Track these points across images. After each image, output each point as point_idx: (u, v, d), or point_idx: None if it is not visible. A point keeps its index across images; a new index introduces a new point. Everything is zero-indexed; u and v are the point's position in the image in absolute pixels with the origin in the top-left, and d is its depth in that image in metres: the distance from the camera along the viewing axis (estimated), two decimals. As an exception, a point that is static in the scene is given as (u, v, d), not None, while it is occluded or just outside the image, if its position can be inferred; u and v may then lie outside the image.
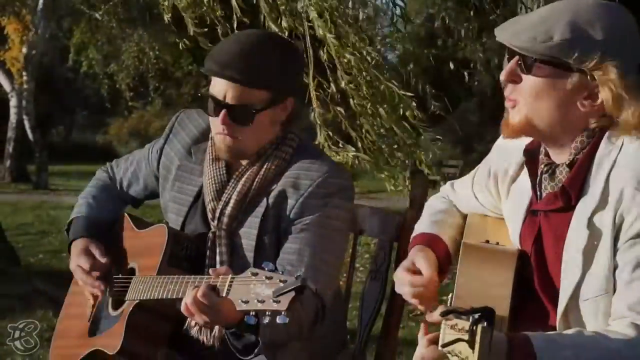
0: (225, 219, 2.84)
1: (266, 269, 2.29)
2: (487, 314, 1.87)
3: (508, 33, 2.25)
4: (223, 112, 2.77)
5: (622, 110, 2.15)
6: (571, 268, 2.19)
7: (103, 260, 2.96)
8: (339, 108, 5.00)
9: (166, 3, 5.25)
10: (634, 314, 2.08)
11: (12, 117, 24.89)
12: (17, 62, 23.28)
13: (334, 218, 2.82)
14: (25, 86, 24.07)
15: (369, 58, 4.89)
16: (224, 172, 2.90)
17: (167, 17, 5.38)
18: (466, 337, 1.86)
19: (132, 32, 24.32)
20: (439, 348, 1.94)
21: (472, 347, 1.85)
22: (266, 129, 2.84)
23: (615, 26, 2.17)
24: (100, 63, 26.65)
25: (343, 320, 3.16)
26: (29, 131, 24.49)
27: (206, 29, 5.13)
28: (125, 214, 3.16)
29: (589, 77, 2.16)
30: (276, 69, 2.77)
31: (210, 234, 2.86)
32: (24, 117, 24.36)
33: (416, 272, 2.40)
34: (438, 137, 5.27)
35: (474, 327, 1.85)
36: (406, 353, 6.49)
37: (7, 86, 24.62)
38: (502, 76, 2.28)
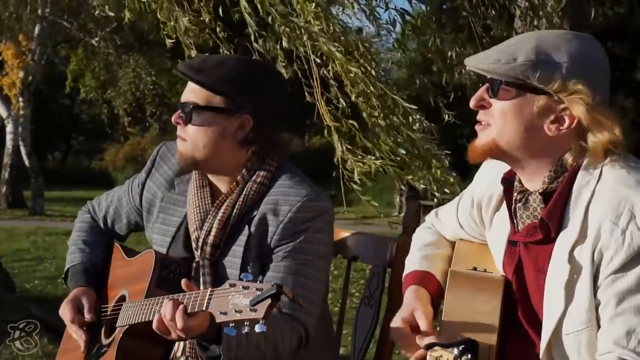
0: (208, 248, 2.84)
1: (244, 279, 2.30)
2: (470, 346, 1.89)
3: (476, 59, 2.29)
4: (179, 110, 2.84)
5: (592, 132, 2.17)
6: (554, 302, 2.20)
7: (88, 316, 2.97)
8: (351, 121, 5.02)
9: (168, 27, 5.28)
10: (619, 348, 2.09)
11: (8, 143, 24.92)
12: (14, 87, 23.32)
13: (315, 243, 2.81)
14: (21, 112, 24.09)
15: (374, 72, 4.92)
16: (209, 201, 2.90)
17: (169, 43, 5.41)
18: None
19: (129, 58, 24.42)
20: None
21: None
22: (212, 136, 2.81)
23: (582, 52, 2.20)
24: (97, 89, 26.75)
25: (334, 343, 3.16)
26: (25, 157, 24.50)
27: (206, 54, 5.16)
28: (116, 244, 3.19)
29: (555, 100, 2.18)
30: (233, 78, 2.78)
31: (194, 264, 2.87)
32: (20, 143, 24.38)
33: (414, 325, 2.39)
34: (447, 151, 5.29)
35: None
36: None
37: (3, 112, 24.67)
38: (472, 102, 2.31)
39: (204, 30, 5.27)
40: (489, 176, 2.52)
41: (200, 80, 2.78)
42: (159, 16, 5.27)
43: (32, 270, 12.44)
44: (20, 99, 23.67)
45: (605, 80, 2.25)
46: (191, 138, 2.82)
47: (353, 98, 4.94)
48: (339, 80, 4.94)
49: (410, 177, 5.12)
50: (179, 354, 2.87)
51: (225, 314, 2.28)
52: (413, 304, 2.45)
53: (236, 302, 2.28)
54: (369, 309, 3.15)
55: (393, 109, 4.98)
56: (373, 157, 4.86)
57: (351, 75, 4.82)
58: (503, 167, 2.41)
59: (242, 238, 2.81)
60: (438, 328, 2.32)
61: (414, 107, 4.94)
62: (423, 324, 2.36)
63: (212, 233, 2.84)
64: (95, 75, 27.72)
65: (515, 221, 2.36)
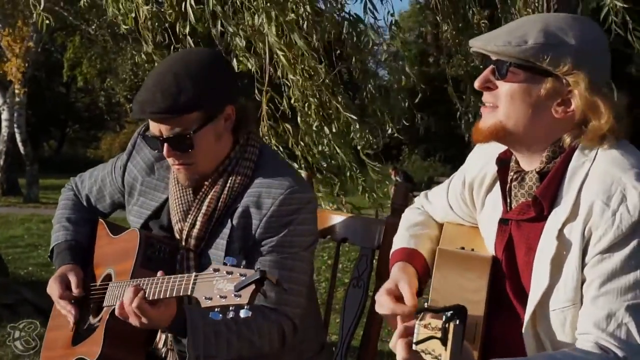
0: (192, 241, 2.85)
1: (228, 264, 2.32)
2: (459, 312, 1.89)
3: (482, 41, 2.29)
4: (165, 147, 2.76)
5: (593, 116, 2.18)
6: (540, 277, 2.21)
7: (76, 291, 2.97)
8: (287, 125, 5.02)
9: (129, 18, 5.18)
10: (599, 331, 2.10)
11: (4, 130, 24.84)
12: (19, 72, 23.12)
13: (299, 235, 2.81)
14: (17, 99, 24.02)
15: (323, 77, 4.88)
16: (190, 192, 2.89)
17: (124, 28, 5.34)
18: (439, 334, 1.88)
19: (126, 46, 24.35)
20: (413, 347, 1.95)
21: (444, 344, 1.87)
22: (214, 144, 2.82)
23: (587, 36, 2.21)
24: (95, 77, 26.67)
25: (320, 324, 3.17)
26: (20, 144, 24.45)
27: (172, 45, 5.12)
28: (101, 221, 3.18)
29: (562, 83, 2.19)
30: (200, 87, 2.73)
31: (179, 255, 2.86)
32: (16, 130, 24.32)
33: (398, 296, 2.40)
34: (378, 166, 5.27)
35: (447, 325, 1.87)
36: (390, 364, 6.51)
37: (-2, 99, 24.62)
38: (477, 83, 2.31)
39: (163, 24, 5.21)
40: (483, 158, 2.53)
41: (178, 112, 2.71)
42: (120, 6, 5.18)
43: (26, 256, 12.43)
44: (16, 86, 23.58)
45: (608, 63, 2.27)
46: (198, 159, 2.80)
47: (292, 101, 4.94)
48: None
49: (320, 194, 5.13)
50: (160, 344, 2.89)
51: (210, 299, 2.31)
52: (398, 277, 2.46)
53: (220, 287, 2.30)
54: (358, 289, 3.17)
55: (333, 118, 4.96)
56: (296, 166, 4.87)
57: (294, 78, 4.80)
58: (497, 149, 2.42)
59: (225, 231, 2.81)
60: (425, 304, 2.33)
61: (354, 117, 4.92)
62: (407, 294, 2.36)
63: (197, 226, 2.84)
64: (92, 64, 27.63)
65: (508, 200, 2.37)
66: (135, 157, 3.08)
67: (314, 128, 4.96)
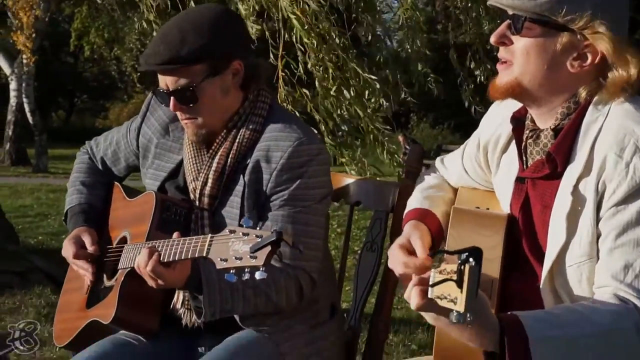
0: (205, 199, 2.83)
1: (244, 225, 2.30)
2: (475, 253, 1.85)
3: None
4: (171, 100, 2.75)
5: (621, 66, 2.15)
6: (557, 234, 2.20)
7: (91, 248, 2.96)
8: (304, 90, 4.99)
9: None
10: (617, 282, 2.09)
11: (12, 100, 24.90)
12: (28, 41, 23.02)
13: (311, 187, 2.78)
14: (25, 69, 24.00)
15: (337, 40, 4.85)
16: (204, 150, 2.87)
17: None
18: (455, 277, 1.85)
19: (133, 14, 24.30)
20: (429, 293, 1.92)
21: (460, 286, 1.83)
22: (220, 99, 2.79)
23: None
24: (103, 47, 26.62)
25: (335, 282, 3.16)
26: (28, 114, 24.49)
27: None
28: (116, 184, 3.17)
29: (578, 37, 2.16)
30: (204, 39, 2.71)
31: (193, 215, 2.85)
32: (24, 100, 24.34)
33: (411, 250, 2.39)
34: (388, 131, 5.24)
35: (462, 267, 1.84)
36: (402, 330, 6.52)
37: (6, 69, 24.60)
38: (492, 38, 2.28)
39: None
40: (497, 119, 2.51)
41: (181, 62, 2.70)
42: None
43: (36, 226, 12.49)
44: (24, 56, 23.53)
45: (626, 17, 2.24)
46: (203, 113, 2.78)
47: (309, 66, 4.90)
48: (304, 46, 4.88)
49: (344, 159, 5.09)
50: (178, 305, 2.89)
51: (225, 260, 2.30)
52: (410, 232, 2.45)
53: (236, 248, 2.29)
54: (372, 253, 3.14)
55: (350, 80, 4.92)
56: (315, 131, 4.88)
57: (308, 42, 4.76)
58: (510, 110, 2.40)
59: (239, 188, 2.79)
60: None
61: (374, 77, 4.88)
62: (419, 248, 2.35)
63: (209, 184, 2.82)
64: (99, 33, 27.61)
65: (524, 158, 2.35)
66: (150, 119, 3.06)
67: (332, 93, 4.93)
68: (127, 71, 26.61)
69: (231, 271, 2.27)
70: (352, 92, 4.92)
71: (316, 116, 5.05)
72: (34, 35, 22.99)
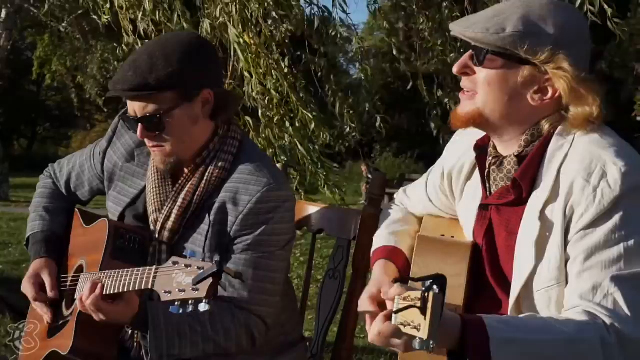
0: (166, 233, 2.80)
1: (188, 256, 2.31)
2: (438, 281, 1.86)
3: (462, 26, 2.28)
4: (139, 127, 2.72)
5: (579, 103, 2.18)
6: (524, 259, 2.21)
7: (51, 294, 2.93)
8: (247, 118, 5.00)
9: (107, 5, 5.14)
10: (585, 302, 2.10)
11: (-26, 129, 24.65)
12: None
13: (276, 234, 2.76)
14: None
15: (285, 71, 4.87)
16: (170, 182, 2.85)
17: (105, 19, 5.29)
18: (419, 304, 1.85)
19: (96, 43, 24.23)
20: (393, 319, 1.92)
21: (424, 313, 1.84)
22: (189, 127, 2.76)
23: (567, 23, 2.21)
24: (65, 75, 26.47)
25: (297, 319, 3.14)
26: (-11, 143, 24.26)
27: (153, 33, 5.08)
28: (76, 210, 3.14)
29: (539, 71, 2.19)
30: (173, 66, 2.66)
31: (151, 247, 2.83)
32: (-15, 128, 24.12)
33: (381, 302, 2.31)
34: (336, 166, 5.28)
35: (426, 294, 1.84)
36: (365, 359, 6.51)
37: (-32, 97, 24.39)
38: (455, 68, 2.31)
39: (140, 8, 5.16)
40: (460, 147, 2.53)
41: (149, 89, 2.66)
42: None
43: (-3, 254, 12.35)
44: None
45: (588, 51, 2.27)
46: (170, 141, 2.75)
47: (255, 94, 4.92)
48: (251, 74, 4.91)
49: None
50: (127, 337, 2.88)
51: (169, 292, 2.30)
52: (380, 279, 2.45)
53: (179, 280, 2.29)
54: (334, 281, 3.14)
55: (295, 113, 4.96)
56: None
57: (252, 72, 4.79)
58: (473, 138, 2.43)
59: (204, 227, 2.77)
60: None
61: (310, 115, 4.91)
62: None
63: (171, 219, 2.79)
64: (62, 62, 27.48)
65: (487, 185, 2.38)
66: (116, 144, 3.03)
67: (275, 122, 4.95)
68: (91, 98, 26.46)
69: (176, 303, 2.27)
70: (297, 123, 4.94)
71: (257, 143, 5.07)
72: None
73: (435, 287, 1.85)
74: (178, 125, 2.73)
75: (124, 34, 5.23)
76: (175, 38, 2.81)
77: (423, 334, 1.84)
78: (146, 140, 2.78)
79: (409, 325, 1.88)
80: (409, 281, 2.02)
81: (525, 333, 2.05)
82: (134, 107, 2.72)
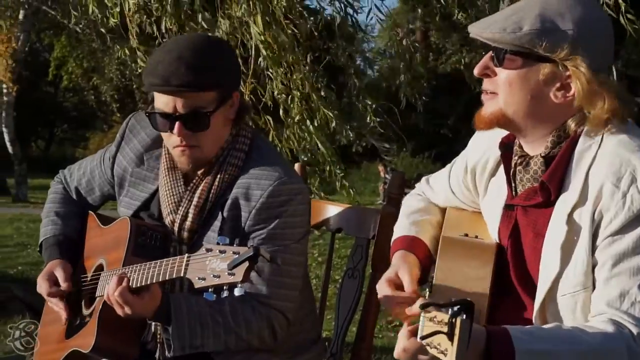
0: (185, 234, 2.80)
1: (221, 243, 2.31)
2: (466, 306, 1.84)
3: (479, 27, 2.26)
4: (177, 124, 2.69)
5: (593, 104, 2.16)
6: (550, 263, 2.19)
7: (64, 285, 2.92)
8: (268, 116, 5.01)
9: (117, 9, 5.14)
10: (612, 310, 2.08)
11: (-8, 130, 24.78)
12: (7, 72, 22.96)
13: (290, 227, 2.76)
14: (5, 99, 23.94)
15: (307, 69, 4.87)
16: (182, 183, 2.84)
17: (112, 22, 5.30)
18: (445, 329, 1.84)
19: (113, 44, 24.32)
20: (419, 340, 1.93)
21: (451, 339, 1.83)
22: (221, 130, 2.78)
23: (586, 19, 2.17)
24: (81, 76, 26.60)
25: (316, 315, 3.14)
26: (8, 144, 24.37)
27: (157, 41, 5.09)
28: (91, 213, 3.13)
29: (560, 68, 2.16)
30: (218, 67, 2.70)
31: (171, 248, 2.82)
32: (4, 129, 24.24)
33: (398, 284, 2.37)
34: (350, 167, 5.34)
35: (453, 320, 1.83)
36: (384, 359, 6.49)
37: (-15, 99, 24.52)
38: (476, 70, 2.29)
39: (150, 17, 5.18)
40: (485, 142, 2.50)
41: (190, 85, 2.66)
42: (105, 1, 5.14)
43: (16, 256, 12.43)
44: (4, 86, 23.48)
45: (609, 45, 2.24)
46: (208, 141, 2.76)
47: (276, 94, 4.92)
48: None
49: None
50: (149, 337, 2.87)
51: (203, 279, 2.29)
52: (398, 265, 2.43)
53: (214, 266, 2.29)
54: (353, 281, 3.13)
55: (315, 112, 4.96)
56: None
57: (274, 71, 4.79)
58: (499, 133, 2.40)
59: (217, 224, 2.77)
60: (428, 292, 2.30)
61: (331, 114, 4.91)
62: (406, 282, 2.34)
63: (189, 219, 2.80)
64: (78, 63, 27.60)
65: (513, 185, 2.35)
66: (125, 148, 3.02)
67: (296, 121, 4.95)
68: (107, 101, 26.56)
69: (210, 289, 2.27)
70: (316, 123, 4.94)
71: (278, 144, 5.07)
72: (13, 65, 22.97)
73: (463, 313, 1.84)
74: (217, 125, 2.75)
75: (132, 37, 5.24)
76: (210, 38, 2.83)
77: (450, 359, 1.84)
78: (173, 139, 2.75)
79: (436, 348, 1.88)
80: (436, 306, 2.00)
81: (550, 344, 2.03)
82: (176, 103, 2.69)
